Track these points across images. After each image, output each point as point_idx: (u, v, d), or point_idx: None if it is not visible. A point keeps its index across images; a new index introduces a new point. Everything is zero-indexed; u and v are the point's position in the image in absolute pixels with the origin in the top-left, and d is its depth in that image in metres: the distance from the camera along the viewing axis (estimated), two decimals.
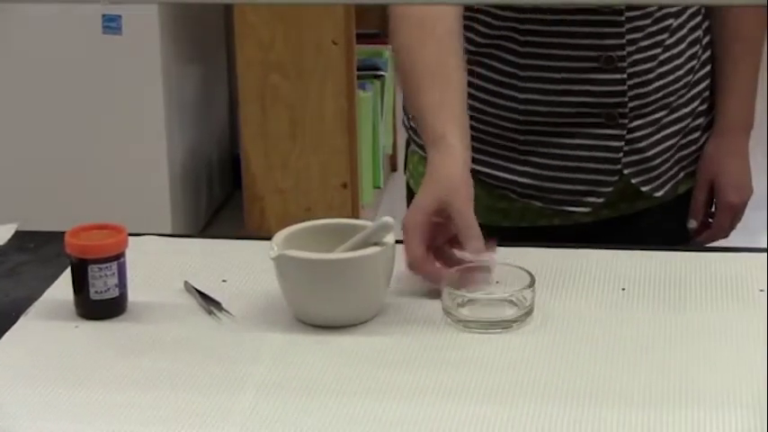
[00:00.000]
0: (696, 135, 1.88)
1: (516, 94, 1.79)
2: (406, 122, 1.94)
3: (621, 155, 1.81)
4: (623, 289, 1.58)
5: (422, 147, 1.84)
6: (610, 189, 1.82)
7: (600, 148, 1.81)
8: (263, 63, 3.77)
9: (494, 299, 1.53)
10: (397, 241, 1.54)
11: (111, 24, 3.60)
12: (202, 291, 1.58)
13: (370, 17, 4.32)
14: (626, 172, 1.82)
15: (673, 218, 1.91)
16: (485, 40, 1.80)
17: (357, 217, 3.82)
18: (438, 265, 1.57)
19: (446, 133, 1.61)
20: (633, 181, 1.83)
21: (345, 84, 3.79)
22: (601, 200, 1.83)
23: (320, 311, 1.50)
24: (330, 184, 3.88)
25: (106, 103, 3.68)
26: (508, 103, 1.80)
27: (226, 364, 1.42)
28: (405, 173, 1.97)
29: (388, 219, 1.52)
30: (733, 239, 1.90)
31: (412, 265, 1.56)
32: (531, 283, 1.51)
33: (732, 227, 1.92)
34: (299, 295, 1.52)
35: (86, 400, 1.35)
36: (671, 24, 1.81)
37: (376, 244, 1.52)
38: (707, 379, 1.37)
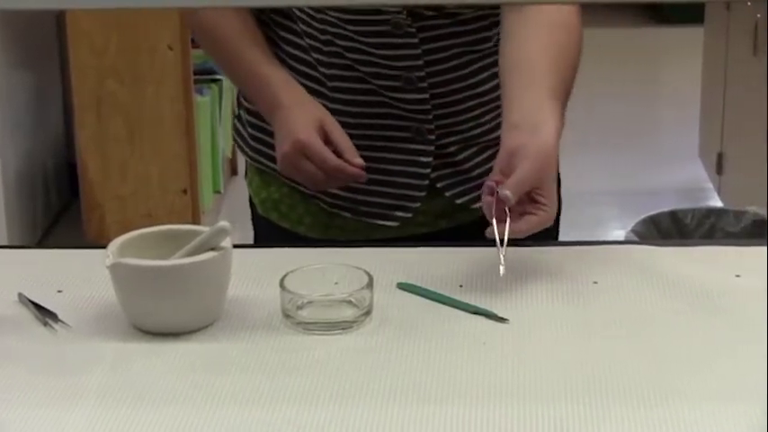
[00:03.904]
0: None
1: (326, 103, 1.78)
2: (241, 129, 1.91)
3: (430, 170, 1.81)
4: (461, 286, 1.60)
5: (251, 158, 1.89)
6: (417, 204, 1.82)
7: (409, 162, 1.81)
8: (98, 69, 3.72)
9: (333, 300, 1.53)
10: (235, 246, 1.53)
11: None
12: (37, 302, 1.55)
13: None
14: (439, 185, 1.83)
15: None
16: (292, 49, 1.80)
17: (198, 222, 3.80)
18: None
19: (288, 78, 1.77)
20: (447, 194, 1.83)
21: (182, 88, 3.77)
22: (409, 214, 1.82)
23: (157, 319, 1.49)
24: (170, 189, 3.85)
25: None
26: None
27: (61, 375, 1.40)
28: (245, 178, 1.95)
29: (224, 223, 1.51)
30: (566, 233, 1.92)
31: (336, 169, 1.70)
32: (370, 284, 1.52)
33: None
34: (135, 303, 1.50)
35: None
36: (475, 45, 1.79)
37: (213, 249, 1.51)
38: (536, 372, 1.39)
